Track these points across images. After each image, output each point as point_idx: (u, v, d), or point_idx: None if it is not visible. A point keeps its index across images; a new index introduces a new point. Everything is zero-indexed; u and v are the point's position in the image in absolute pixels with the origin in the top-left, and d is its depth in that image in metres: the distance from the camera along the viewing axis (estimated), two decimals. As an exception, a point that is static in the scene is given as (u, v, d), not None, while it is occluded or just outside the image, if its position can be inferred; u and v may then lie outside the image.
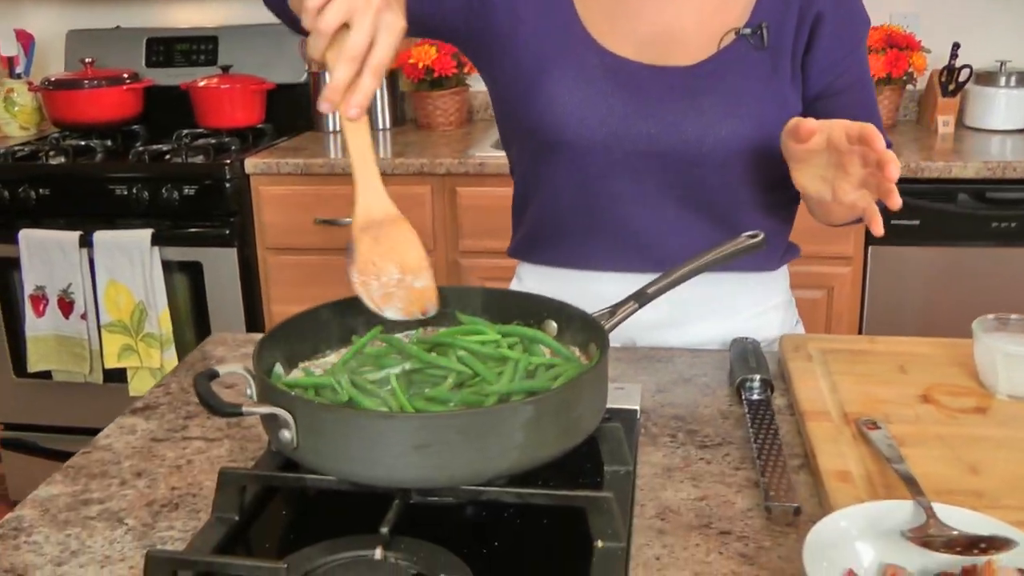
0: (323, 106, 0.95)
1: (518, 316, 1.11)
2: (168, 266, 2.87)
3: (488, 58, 1.38)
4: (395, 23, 0.96)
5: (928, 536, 0.79)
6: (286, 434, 0.86)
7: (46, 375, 2.99)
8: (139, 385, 2.90)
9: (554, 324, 1.10)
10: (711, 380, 1.25)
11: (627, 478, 0.98)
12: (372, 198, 1.00)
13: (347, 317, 1.08)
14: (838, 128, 1.12)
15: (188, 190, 2.83)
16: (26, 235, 2.83)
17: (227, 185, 2.83)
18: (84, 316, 2.88)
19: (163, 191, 2.82)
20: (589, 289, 1.36)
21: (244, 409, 0.86)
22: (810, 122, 1.14)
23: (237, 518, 0.93)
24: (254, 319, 2.97)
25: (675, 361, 1.32)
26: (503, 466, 0.85)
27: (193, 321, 2.96)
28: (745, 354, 1.23)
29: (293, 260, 2.91)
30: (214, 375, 0.94)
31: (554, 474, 0.95)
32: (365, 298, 1.00)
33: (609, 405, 1.11)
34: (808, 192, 1.20)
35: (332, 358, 1.08)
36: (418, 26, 1.25)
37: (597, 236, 1.36)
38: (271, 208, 2.88)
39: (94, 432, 1.20)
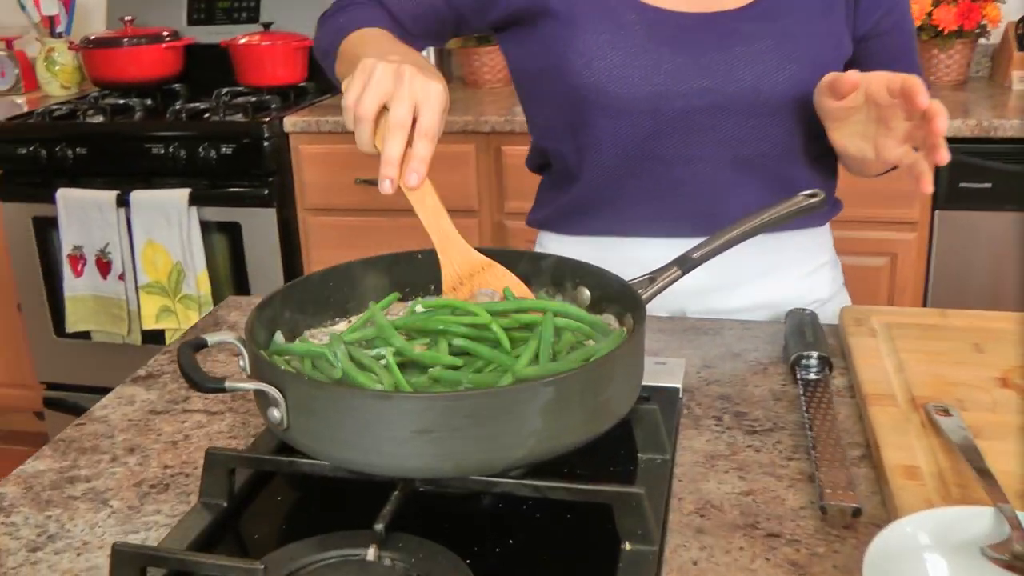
0: (384, 186, 0.87)
1: (548, 283, 1.00)
2: (206, 227, 2.80)
3: (518, 27, 1.27)
4: (432, 86, 0.89)
5: (1015, 556, 0.67)
6: (275, 413, 0.77)
7: (85, 335, 2.95)
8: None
9: (587, 292, 0.99)
10: (763, 355, 1.13)
11: (663, 468, 0.87)
12: (457, 258, 0.94)
13: (361, 281, 0.99)
14: (877, 81, 1.03)
15: (226, 149, 2.75)
16: (64, 194, 2.78)
17: (266, 144, 2.74)
18: (122, 277, 2.83)
19: (200, 150, 2.75)
20: (631, 256, 1.25)
21: (227, 384, 0.77)
22: (851, 75, 1.04)
23: (225, 504, 0.84)
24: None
25: (724, 333, 1.20)
26: (518, 455, 0.74)
27: (232, 283, 2.89)
28: (801, 327, 1.11)
29: (333, 221, 2.83)
30: (201, 344, 0.84)
31: (580, 460, 0.84)
32: None
33: (648, 382, 1.01)
34: (848, 152, 1.12)
35: (342, 326, 0.98)
36: (449, 25, 1.26)
37: (645, 202, 1.24)
38: (311, 167, 2.80)
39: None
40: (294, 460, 0.81)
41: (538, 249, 1.38)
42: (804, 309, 1.17)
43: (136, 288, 2.83)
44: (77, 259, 2.83)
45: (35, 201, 2.85)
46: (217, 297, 2.85)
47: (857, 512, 0.80)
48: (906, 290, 2.54)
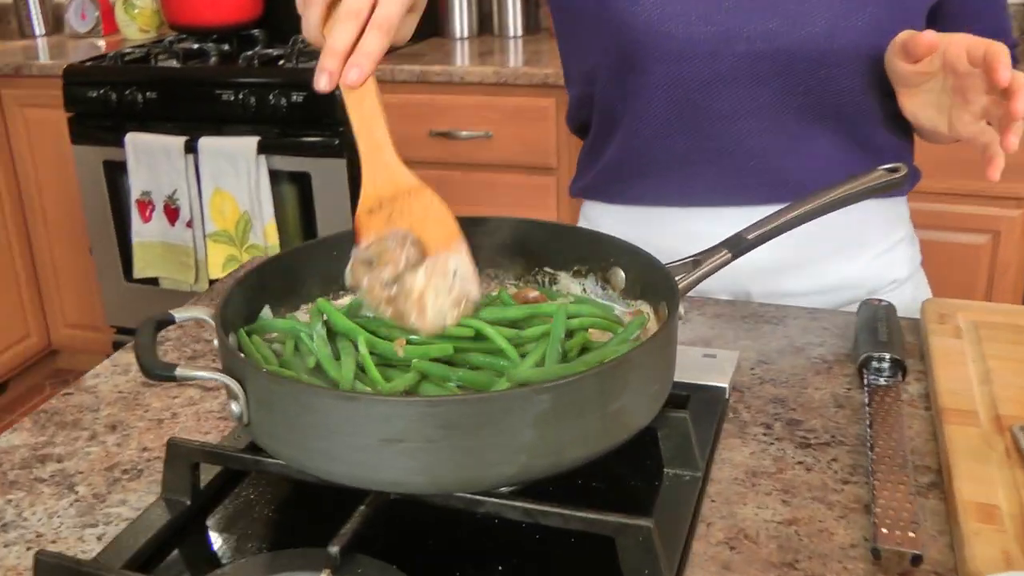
0: (320, 81, 0.74)
1: (580, 260, 0.88)
2: (275, 176, 2.72)
3: None
4: None
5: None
6: (235, 407, 0.67)
7: (154, 281, 2.93)
8: (242, 299, 2.80)
9: (621, 274, 0.87)
10: (829, 351, 0.99)
11: (691, 488, 0.74)
12: (381, 175, 0.78)
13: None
14: (956, 45, 0.89)
15: (297, 97, 2.66)
16: (132, 139, 2.74)
17: (336, 92, 2.63)
18: (189, 224, 2.78)
19: (271, 98, 2.67)
20: (692, 229, 1.12)
21: (178, 372, 0.67)
22: (928, 35, 0.90)
23: (188, 503, 0.74)
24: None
25: (787, 323, 1.06)
26: (507, 474, 0.63)
27: (301, 234, 2.82)
28: (875, 322, 0.97)
29: (406, 173, 2.73)
30: (167, 321, 0.75)
31: (595, 470, 0.72)
32: (373, 304, 0.77)
33: (691, 379, 0.89)
34: (919, 122, 0.99)
35: (345, 300, 0.88)
36: None
37: (699, 163, 1.11)
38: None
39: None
40: (260, 459, 0.71)
41: (582, 223, 1.25)
42: (880, 301, 1.02)
43: (204, 236, 2.78)
44: (145, 205, 2.79)
45: (106, 145, 2.81)
46: (285, 248, 2.79)
47: (917, 560, 0.67)
48: (1008, 270, 2.33)
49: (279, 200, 2.76)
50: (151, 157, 2.72)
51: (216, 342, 0.76)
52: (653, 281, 0.81)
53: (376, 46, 0.74)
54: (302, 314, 0.85)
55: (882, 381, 0.90)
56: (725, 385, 0.90)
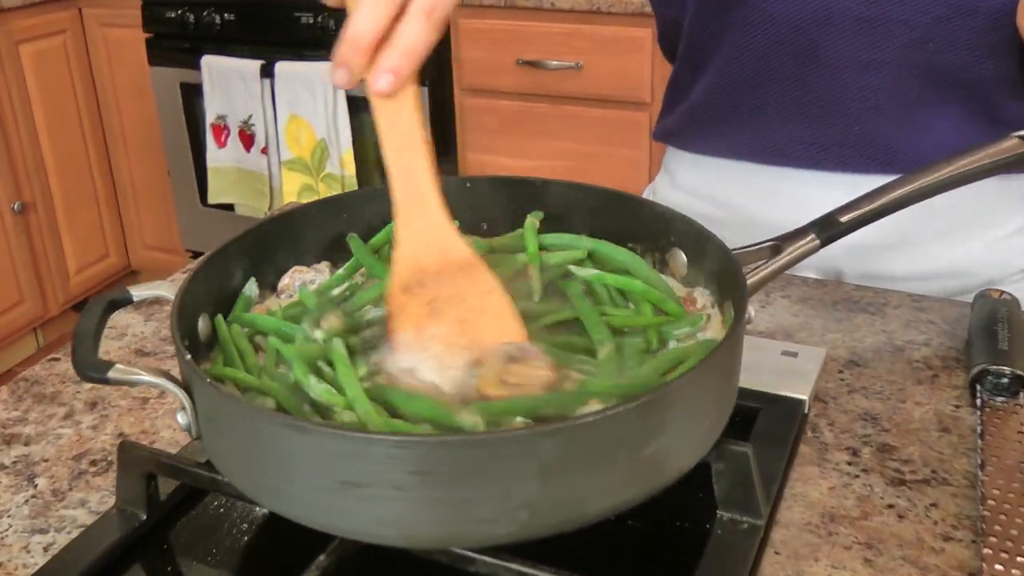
0: (338, 76, 0.56)
1: (631, 236, 0.73)
2: (354, 103, 2.60)
3: None
4: None
5: None
6: (182, 418, 0.54)
7: (229, 207, 2.86)
8: (317, 230, 2.70)
9: (683, 257, 0.71)
10: (934, 352, 0.83)
11: (750, 539, 0.59)
12: (424, 236, 0.59)
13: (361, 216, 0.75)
14: None
15: (381, 19, 2.52)
16: (208, 62, 2.64)
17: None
18: (264, 150, 2.69)
19: (354, 19, 2.53)
20: (783, 192, 0.96)
21: (111, 375, 0.54)
22: None
23: (144, 517, 0.62)
24: (447, 167, 2.69)
25: (887, 312, 0.89)
26: (499, 533, 0.49)
27: (380, 165, 2.71)
28: (993, 322, 0.79)
29: (492, 104, 2.58)
30: (121, 302, 0.63)
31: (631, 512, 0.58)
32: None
33: (764, 387, 0.74)
34: None
35: (322, 277, 0.75)
36: None
37: (799, 115, 0.93)
38: (471, 44, 2.55)
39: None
40: (219, 478, 0.58)
41: (663, 175, 1.09)
42: (1001, 293, 0.85)
43: (279, 163, 2.68)
44: (220, 129, 2.70)
45: (183, 67, 2.73)
46: (363, 179, 2.68)
47: (1036, 671, 0.51)
48: None
49: (357, 128, 2.64)
50: (227, 81, 2.63)
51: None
52: (719, 272, 0.66)
53: (420, 40, 0.54)
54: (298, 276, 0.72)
55: (1000, 399, 0.73)
56: (805, 397, 0.74)
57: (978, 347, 0.77)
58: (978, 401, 0.73)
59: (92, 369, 0.55)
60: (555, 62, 2.46)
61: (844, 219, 0.68)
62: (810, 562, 0.61)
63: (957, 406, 0.76)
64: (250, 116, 2.65)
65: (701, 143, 1.01)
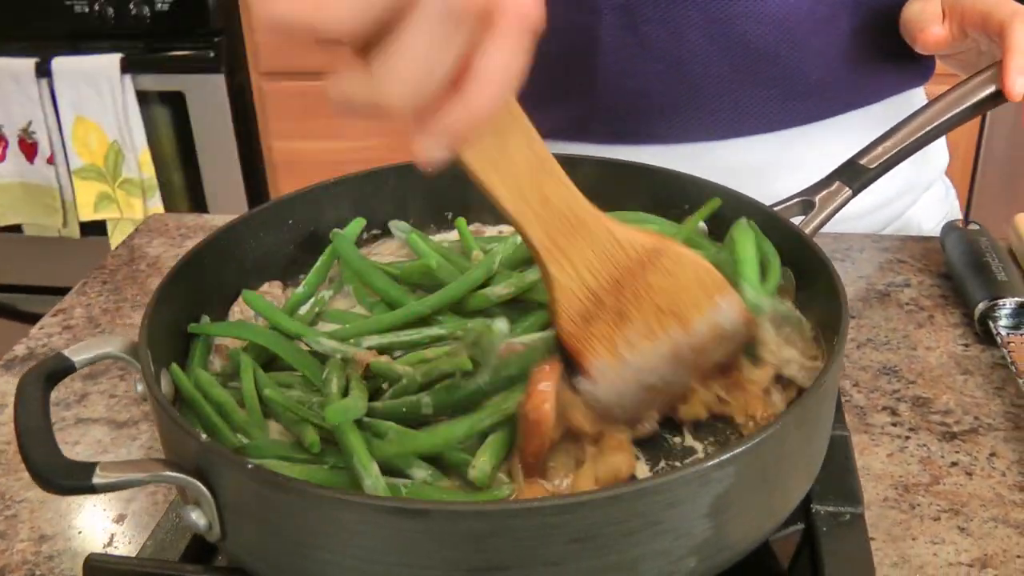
0: (425, 147, 0.39)
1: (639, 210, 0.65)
2: (145, 98, 2.38)
3: None
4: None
5: None
6: (198, 516, 0.42)
7: (17, 229, 2.57)
8: (121, 239, 2.47)
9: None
10: (919, 292, 0.79)
11: (857, 530, 0.52)
12: (583, 259, 0.49)
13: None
14: (970, 20, 0.73)
15: (162, 5, 2.32)
16: (-29, 64, 2.35)
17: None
18: (51, 160, 2.42)
19: (132, 6, 2.31)
20: (724, 164, 0.88)
21: (97, 481, 0.41)
22: (932, 32, 0.75)
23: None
24: (251, 159, 2.51)
25: (854, 258, 0.85)
26: None
27: (180, 163, 2.50)
28: (980, 255, 0.76)
29: (295, 87, 2.42)
30: (62, 372, 0.49)
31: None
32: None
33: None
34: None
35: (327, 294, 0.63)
36: None
37: (746, 86, 0.86)
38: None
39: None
40: None
41: None
42: (966, 223, 0.82)
43: (69, 172, 2.43)
44: (-5, 141, 2.42)
45: (-60, 73, 2.41)
46: (164, 180, 2.46)
47: None
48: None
49: (151, 125, 2.42)
50: (-4, 85, 2.35)
51: (141, 389, 0.51)
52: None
53: (475, 111, 0.37)
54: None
55: (1020, 333, 0.70)
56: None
57: (976, 283, 0.74)
58: (997, 338, 0.70)
59: (66, 476, 0.41)
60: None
61: (872, 165, 0.62)
62: (908, 542, 0.55)
63: (966, 345, 0.72)
64: (29, 123, 2.38)
65: (624, 133, 0.89)
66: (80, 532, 0.59)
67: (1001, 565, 0.54)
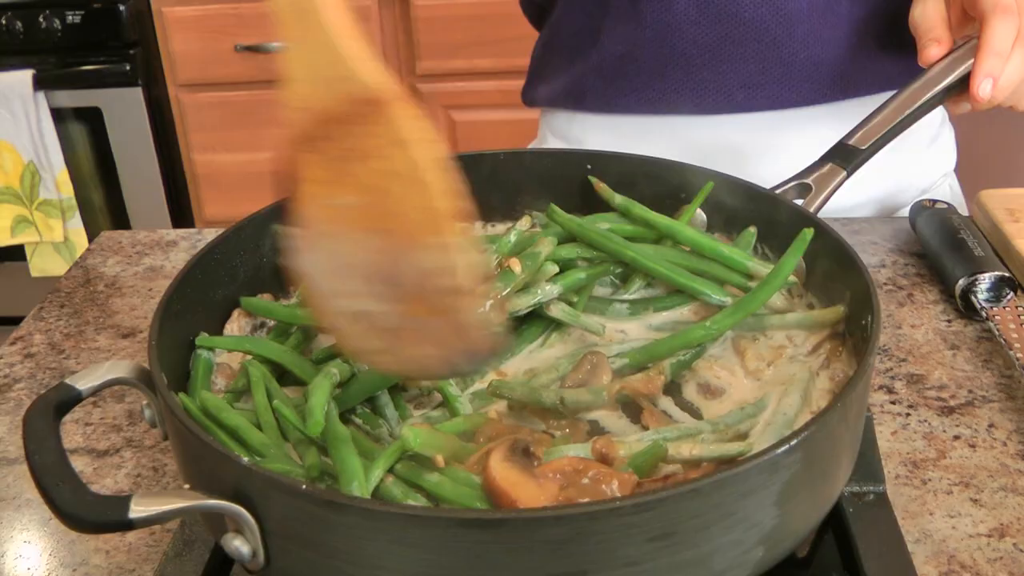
0: None
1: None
2: (60, 115, 2.31)
3: None
4: None
5: None
6: (240, 544, 0.40)
7: (-72, 258, 2.47)
8: (41, 264, 2.40)
9: (702, 217, 0.64)
10: (895, 272, 0.80)
11: (883, 509, 0.53)
12: (316, 58, 0.43)
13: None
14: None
15: (73, 17, 2.25)
16: None
17: (122, 9, 2.25)
18: (-38, 184, 2.34)
19: (42, 20, 2.24)
20: (708, 141, 0.89)
21: (135, 516, 0.39)
22: (930, 55, 0.71)
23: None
24: (173, 174, 2.46)
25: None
26: None
27: (100, 181, 2.43)
28: (954, 232, 0.78)
29: (214, 98, 2.37)
30: (69, 402, 0.46)
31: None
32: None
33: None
34: None
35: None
36: None
37: (736, 55, 0.87)
38: (180, 35, 2.32)
39: None
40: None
41: (547, 140, 0.99)
42: (934, 202, 0.84)
43: (-18, 197, 2.34)
44: (-99, 166, 2.32)
45: None
46: (84, 200, 2.39)
47: None
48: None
49: (68, 144, 2.35)
50: (-101, 107, 2.25)
51: (149, 415, 0.49)
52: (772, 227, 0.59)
53: None
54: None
55: (1001, 306, 0.71)
56: (816, 341, 0.69)
57: (955, 260, 0.75)
58: (982, 312, 0.71)
59: (98, 513, 0.39)
60: (278, 43, 2.28)
61: (863, 145, 0.63)
62: (926, 517, 0.56)
63: (949, 321, 0.74)
64: (-63, 146, 2.29)
65: (611, 102, 0.91)
66: (75, 570, 0.57)
67: (1017, 533, 0.55)
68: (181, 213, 2.49)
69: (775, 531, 0.39)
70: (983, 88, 0.67)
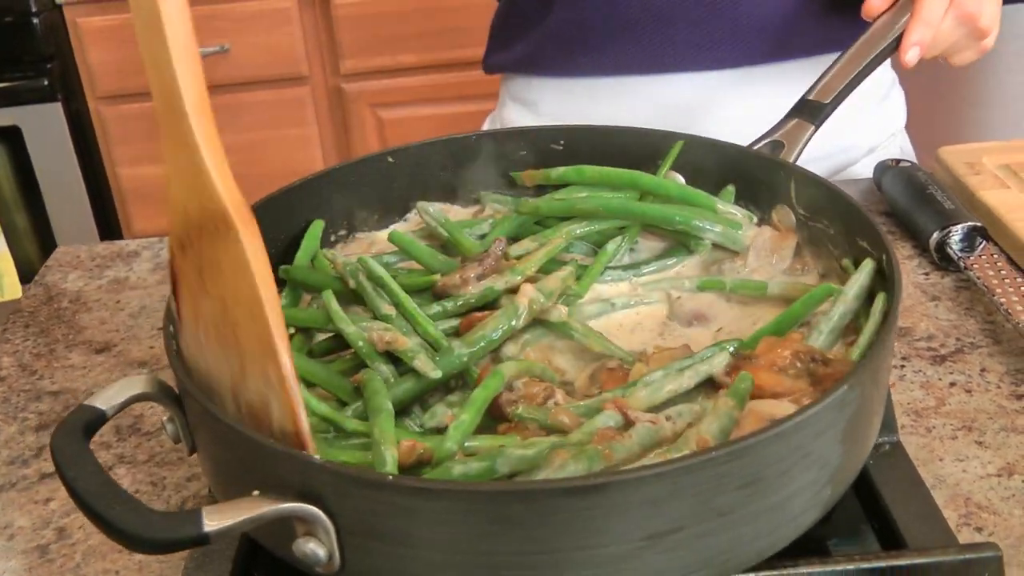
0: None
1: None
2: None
3: None
4: None
5: None
6: (315, 547, 0.39)
7: None
8: (-33, 291, 2.31)
9: (680, 179, 0.64)
10: (861, 232, 0.82)
11: (901, 457, 0.54)
12: (184, 165, 0.42)
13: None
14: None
15: (-16, 32, 2.19)
16: None
17: (35, 22, 2.19)
18: None
19: (-51, 38, 2.17)
20: (659, 101, 0.90)
21: (209, 529, 0.38)
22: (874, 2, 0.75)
23: None
24: (98, 189, 2.39)
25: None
26: (808, 520, 0.42)
27: (23, 202, 2.36)
28: (923, 188, 0.79)
29: (135, 109, 2.32)
30: (96, 423, 0.44)
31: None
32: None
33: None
34: None
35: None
36: None
37: (681, 16, 0.88)
38: (96, 46, 2.27)
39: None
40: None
41: (517, 108, 0.98)
42: (898, 161, 0.85)
43: None
44: None
45: None
46: (7, 223, 2.32)
47: None
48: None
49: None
50: None
51: (172, 430, 0.47)
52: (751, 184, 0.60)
53: None
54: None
55: (977, 255, 0.73)
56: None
57: (926, 214, 0.77)
58: (960, 262, 0.73)
59: (168, 530, 0.37)
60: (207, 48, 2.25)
61: (824, 100, 0.64)
62: (937, 463, 0.57)
63: (926, 274, 0.75)
64: None
65: (566, 66, 0.92)
66: (89, 586, 0.55)
67: (1026, 471, 0.56)
68: (109, 229, 2.43)
69: (839, 469, 0.40)
70: (911, 55, 0.72)
